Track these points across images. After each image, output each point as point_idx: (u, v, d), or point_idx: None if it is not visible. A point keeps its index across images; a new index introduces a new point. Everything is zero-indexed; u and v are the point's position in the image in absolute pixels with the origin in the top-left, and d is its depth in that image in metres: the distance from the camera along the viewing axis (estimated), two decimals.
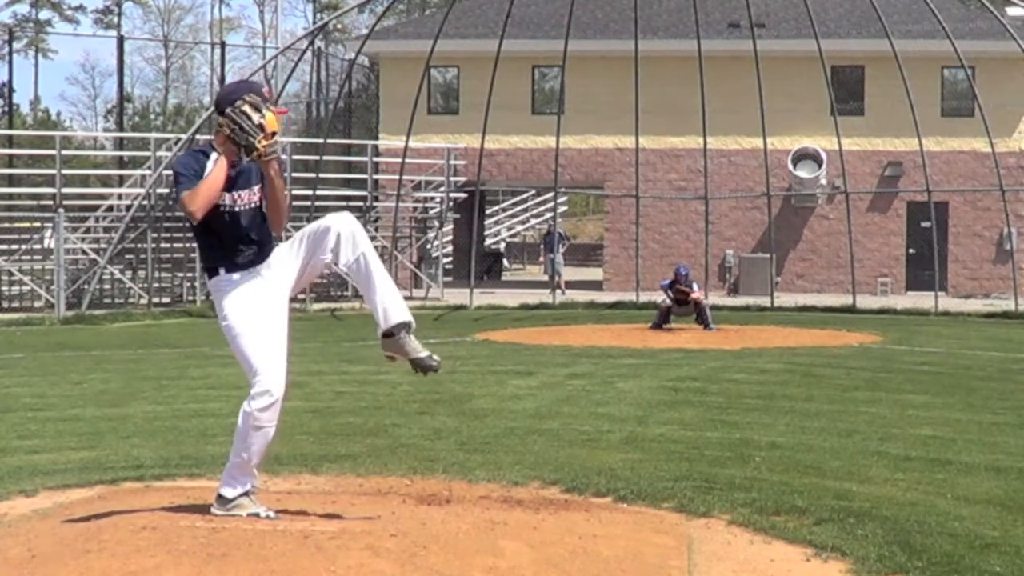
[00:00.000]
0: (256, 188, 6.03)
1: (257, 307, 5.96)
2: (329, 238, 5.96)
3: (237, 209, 5.97)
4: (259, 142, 5.79)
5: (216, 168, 5.86)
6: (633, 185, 30.88)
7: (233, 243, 5.96)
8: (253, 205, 6.03)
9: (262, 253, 6.04)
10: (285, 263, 6.06)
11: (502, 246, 48.49)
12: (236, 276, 5.98)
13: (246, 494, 6.01)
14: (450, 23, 29.60)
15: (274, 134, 5.83)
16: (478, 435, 9.36)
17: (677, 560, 5.73)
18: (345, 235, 5.95)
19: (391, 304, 6.01)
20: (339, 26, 65.37)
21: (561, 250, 33.46)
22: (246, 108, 5.83)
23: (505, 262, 46.41)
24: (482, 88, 28.66)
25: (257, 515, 5.92)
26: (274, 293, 6.03)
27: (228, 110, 5.84)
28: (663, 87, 32.35)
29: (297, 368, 14.34)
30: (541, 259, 40.00)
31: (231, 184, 5.93)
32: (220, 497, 6.02)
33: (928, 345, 18.30)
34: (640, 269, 30.41)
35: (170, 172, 5.94)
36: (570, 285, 33.94)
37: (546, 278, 34.11)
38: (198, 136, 27.38)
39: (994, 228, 33.22)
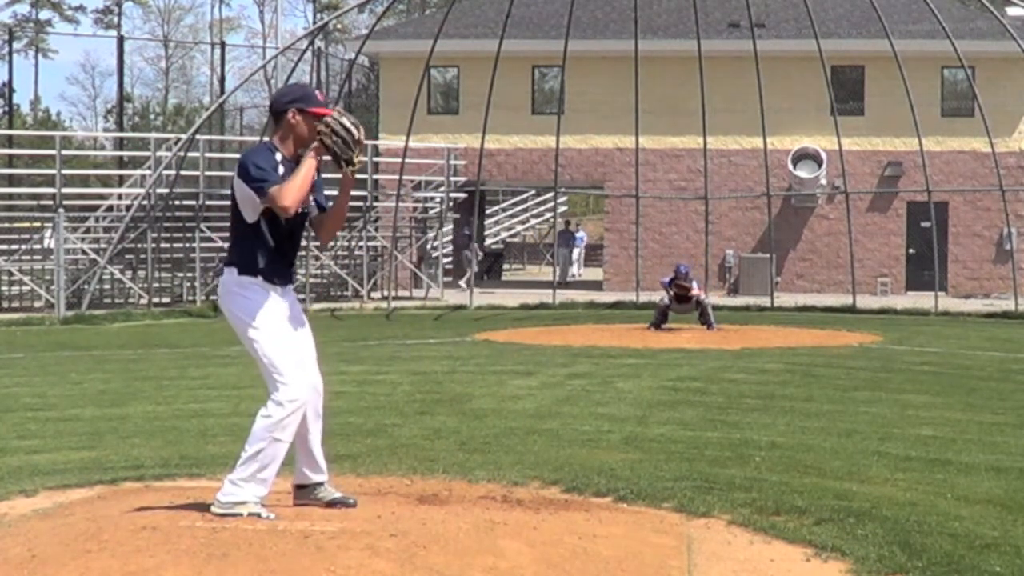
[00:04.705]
0: (309, 196, 5.98)
1: (285, 321, 5.99)
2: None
3: (302, 210, 5.96)
4: (357, 156, 5.89)
5: (307, 168, 5.83)
6: (633, 185, 30.88)
7: (279, 248, 5.95)
8: (305, 212, 6.05)
9: (292, 269, 6.11)
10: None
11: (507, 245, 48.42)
12: (271, 289, 5.95)
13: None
14: (450, 23, 29.59)
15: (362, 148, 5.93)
16: (478, 435, 9.35)
17: (677, 560, 5.73)
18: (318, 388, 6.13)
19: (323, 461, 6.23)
20: (339, 26, 65.38)
21: (577, 249, 33.21)
22: (345, 121, 5.87)
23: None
24: (482, 88, 28.66)
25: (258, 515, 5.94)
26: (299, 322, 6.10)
27: (330, 119, 5.86)
28: (663, 87, 32.36)
29: None
30: (550, 258, 39.82)
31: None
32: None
33: (928, 345, 18.29)
34: (640, 269, 30.41)
35: (243, 167, 5.82)
36: (571, 285, 33.91)
37: (548, 277, 34.09)
38: (198, 136, 27.41)
39: (994, 228, 33.22)
